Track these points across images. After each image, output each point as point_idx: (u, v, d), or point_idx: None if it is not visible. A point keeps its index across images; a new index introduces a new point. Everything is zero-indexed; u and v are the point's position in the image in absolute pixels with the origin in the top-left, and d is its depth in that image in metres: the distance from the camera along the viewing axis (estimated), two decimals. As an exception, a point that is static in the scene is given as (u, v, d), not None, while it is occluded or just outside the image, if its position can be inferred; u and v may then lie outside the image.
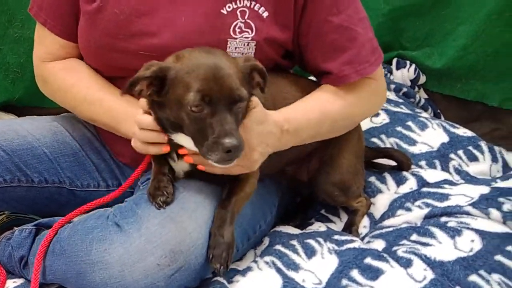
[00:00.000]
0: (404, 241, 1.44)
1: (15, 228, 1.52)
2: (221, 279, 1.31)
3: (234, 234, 1.29)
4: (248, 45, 1.39)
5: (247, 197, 1.34)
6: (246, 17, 1.39)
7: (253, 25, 1.39)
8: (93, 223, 1.32)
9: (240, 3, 1.39)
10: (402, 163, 1.73)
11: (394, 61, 2.27)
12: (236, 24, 1.39)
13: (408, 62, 2.24)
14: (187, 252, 1.21)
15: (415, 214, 1.54)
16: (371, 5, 2.20)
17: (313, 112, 1.42)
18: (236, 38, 1.39)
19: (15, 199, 1.51)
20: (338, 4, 1.44)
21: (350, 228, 1.62)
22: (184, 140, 1.24)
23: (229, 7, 1.39)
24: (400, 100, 2.08)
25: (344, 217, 1.68)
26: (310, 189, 1.63)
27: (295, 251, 1.42)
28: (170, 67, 1.17)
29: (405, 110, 1.98)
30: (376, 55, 1.51)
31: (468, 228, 1.43)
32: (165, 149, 1.29)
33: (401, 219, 1.55)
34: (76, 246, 1.30)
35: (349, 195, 1.61)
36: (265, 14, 1.40)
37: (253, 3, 1.40)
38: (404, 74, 2.22)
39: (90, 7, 1.43)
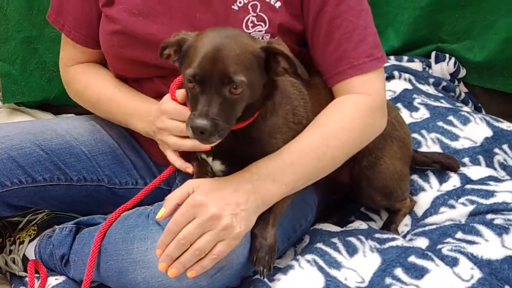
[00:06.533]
0: (449, 239, 1.40)
1: (56, 226, 1.53)
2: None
3: (276, 236, 1.27)
4: (262, 38, 1.35)
5: (290, 198, 1.31)
6: (258, 10, 1.36)
7: (265, 17, 1.36)
8: (134, 222, 1.32)
9: None
10: (453, 168, 1.67)
11: (433, 54, 2.21)
12: (248, 18, 1.35)
13: (447, 56, 2.18)
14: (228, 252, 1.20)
15: (459, 211, 1.50)
16: (408, -2, 2.17)
17: (285, 151, 1.27)
18: (249, 33, 1.34)
19: (54, 198, 1.51)
20: None
21: (389, 226, 1.58)
22: None
23: (240, 2, 1.36)
24: (440, 94, 2.03)
25: (385, 215, 1.65)
26: (351, 190, 1.58)
27: (336, 249, 1.39)
28: (187, 40, 1.18)
29: (445, 104, 1.92)
30: (379, 51, 1.37)
31: (515, 225, 1.38)
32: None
33: (445, 216, 1.51)
34: (117, 245, 1.30)
35: (392, 200, 1.56)
36: (278, 4, 1.36)
37: None
38: (444, 68, 2.17)
39: (109, 10, 1.43)
